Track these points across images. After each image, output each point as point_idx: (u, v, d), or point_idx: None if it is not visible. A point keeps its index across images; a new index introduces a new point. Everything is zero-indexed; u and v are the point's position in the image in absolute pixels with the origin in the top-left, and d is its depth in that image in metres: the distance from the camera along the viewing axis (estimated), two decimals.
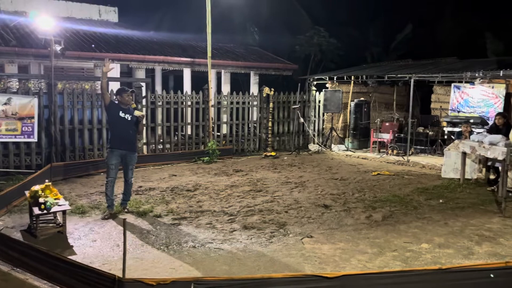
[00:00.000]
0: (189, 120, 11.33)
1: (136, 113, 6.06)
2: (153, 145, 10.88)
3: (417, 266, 4.30)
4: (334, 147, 12.98)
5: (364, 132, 12.97)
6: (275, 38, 18.64)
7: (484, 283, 3.55)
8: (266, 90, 11.72)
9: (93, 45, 12.40)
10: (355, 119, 12.96)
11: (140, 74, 13.55)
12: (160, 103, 10.87)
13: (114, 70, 12.60)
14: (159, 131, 11.05)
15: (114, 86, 10.16)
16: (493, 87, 11.48)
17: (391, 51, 20.13)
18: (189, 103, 11.23)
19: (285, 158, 11.43)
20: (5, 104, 8.29)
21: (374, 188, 7.94)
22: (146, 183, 8.15)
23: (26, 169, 8.77)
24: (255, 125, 12.46)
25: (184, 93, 11.30)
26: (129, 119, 6.04)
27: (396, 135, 12.11)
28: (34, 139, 8.70)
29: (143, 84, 10.72)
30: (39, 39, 9.94)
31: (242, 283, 3.46)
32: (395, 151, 11.61)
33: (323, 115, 13.63)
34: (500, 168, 7.41)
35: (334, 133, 13.17)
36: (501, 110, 10.57)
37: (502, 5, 16.78)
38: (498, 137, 7.38)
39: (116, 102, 6.17)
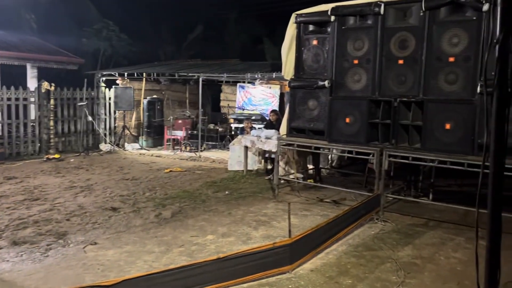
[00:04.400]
0: None
1: None
2: None
3: (200, 259, 4.44)
4: (128, 146, 12.54)
5: (158, 129, 12.94)
6: (58, 28, 16.78)
7: (255, 265, 3.89)
8: (46, 85, 10.45)
9: None
10: (148, 116, 12.79)
11: None
12: None
13: None
14: None
15: None
16: (270, 88, 12.96)
17: (183, 50, 20.64)
18: None
19: (72, 160, 10.45)
20: None
21: (166, 186, 7.95)
22: None
23: None
24: (34, 124, 10.98)
25: None
26: None
27: (189, 132, 12.46)
28: None
29: None
30: None
31: None
32: (188, 148, 11.94)
33: (115, 113, 13.01)
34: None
35: (127, 131, 12.72)
36: (277, 108, 12.00)
37: (278, 16, 19.14)
38: (272, 132, 8.33)
39: None
